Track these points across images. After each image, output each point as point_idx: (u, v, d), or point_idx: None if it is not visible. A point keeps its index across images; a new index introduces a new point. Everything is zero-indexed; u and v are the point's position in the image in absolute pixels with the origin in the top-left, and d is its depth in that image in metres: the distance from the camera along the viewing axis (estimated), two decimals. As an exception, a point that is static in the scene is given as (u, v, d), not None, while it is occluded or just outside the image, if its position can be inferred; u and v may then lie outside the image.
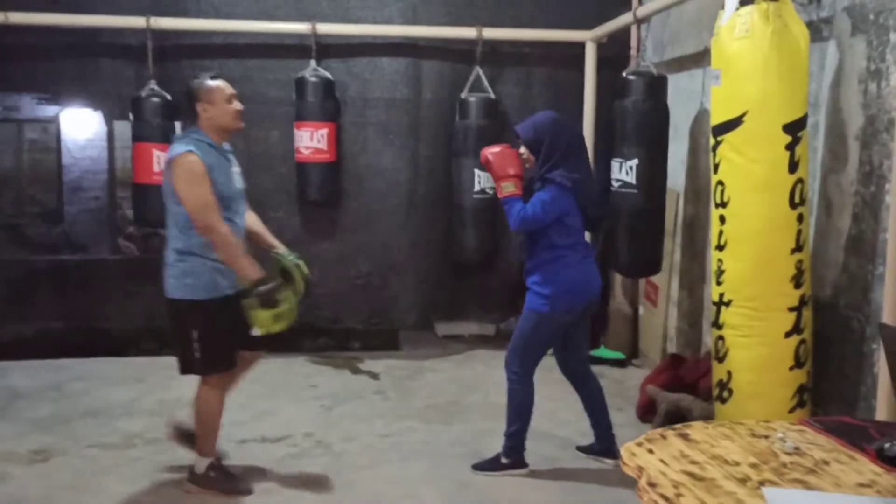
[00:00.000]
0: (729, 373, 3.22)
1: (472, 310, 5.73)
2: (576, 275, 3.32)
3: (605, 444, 3.56)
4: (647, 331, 5.20)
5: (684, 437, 1.81)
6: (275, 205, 5.27)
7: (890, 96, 2.91)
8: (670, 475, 1.60)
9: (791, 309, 3.08)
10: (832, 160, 3.28)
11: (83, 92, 5.45)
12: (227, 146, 3.23)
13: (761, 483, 1.57)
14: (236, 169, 3.25)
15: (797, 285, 3.08)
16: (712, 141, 3.25)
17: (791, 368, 3.11)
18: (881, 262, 2.88)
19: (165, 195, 3.13)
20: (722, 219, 3.21)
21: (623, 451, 1.75)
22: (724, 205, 3.19)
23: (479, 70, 5.10)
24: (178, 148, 3.05)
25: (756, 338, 3.13)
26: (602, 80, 5.09)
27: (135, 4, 5.03)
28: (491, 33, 5.10)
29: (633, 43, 5.14)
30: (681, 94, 4.71)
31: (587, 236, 3.76)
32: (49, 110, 7.53)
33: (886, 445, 1.70)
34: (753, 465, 1.65)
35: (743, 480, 1.58)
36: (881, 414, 2.61)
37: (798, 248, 3.07)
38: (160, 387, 4.58)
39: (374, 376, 4.91)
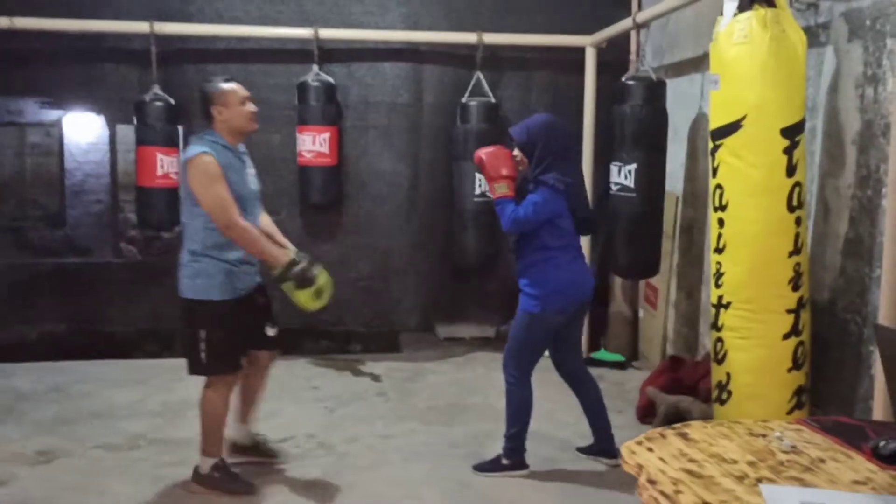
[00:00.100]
0: (728, 374, 3.25)
1: (472, 312, 5.77)
2: (566, 276, 3.36)
3: (604, 444, 3.59)
4: (647, 333, 5.24)
5: (683, 436, 1.84)
6: (277, 208, 5.29)
7: (887, 101, 2.95)
8: (669, 473, 1.63)
9: (789, 311, 3.12)
10: (830, 164, 3.31)
11: (86, 96, 5.49)
12: (242, 148, 3.27)
13: (759, 480, 1.60)
14: (251, 171, 3.30)
15: (795, 288, 3.12)
16: (711, 145, 3.28)
17: (789, 370, 3.15)
18: (878, 265, 2.91)
19: (182, 197, 3.18)
20: (721, 222, 3.25)
21: (623, 450, 1.78)
22: (722, 208, 3.23)
23: (479, 75, 5.14)
24: (193, 149, 3.10)
25: (755, 340, 3.16)
26: (602, 84, 5.12)
27: (139, 10, 5.08)
28: (491, 38, 5.14)
29: (633, 48, 5.18)
30: (680, 99, 4.75)
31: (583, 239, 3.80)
32: (52, 114, 7.56)
33: (882, 444, 1.74)
34: (751, 463, 1.68)
35: (741, 478, 1.61)
36: (878, 414, 2.64)
37: (796, 251, 3.11)
38: (163, 389, 4.61)
39: (376, 378, 4.94)
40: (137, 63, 5.15)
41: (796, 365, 3.15)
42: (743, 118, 3.09)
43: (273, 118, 5.22)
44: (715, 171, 3.27)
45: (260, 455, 3.56)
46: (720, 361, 3.29)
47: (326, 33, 5.08)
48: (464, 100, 5.14)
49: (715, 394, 3.34)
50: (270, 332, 3.38)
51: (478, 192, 5.03)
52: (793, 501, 1.49)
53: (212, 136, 3.16)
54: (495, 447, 3.56)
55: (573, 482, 3.44)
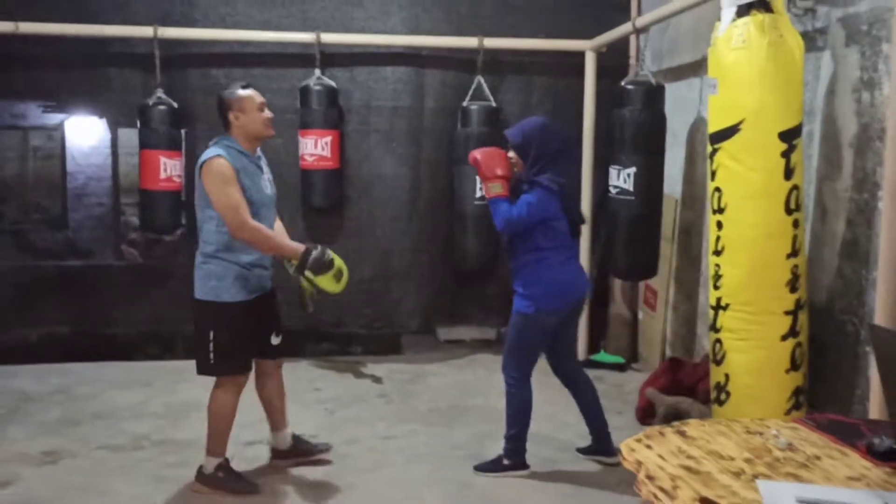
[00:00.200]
0: (726, 375, 3.29)
1: (473, 314, 5.80)
2: (559, 276, 3.39)
3: (602, 444, 3.62)
4: (647, 335, 5.27)
5: (681, 433, 1.88)
6: (279, 211, 5.31)
7: (883, 105, 2.98)
8: (668, 469, 1.66)
9: (787, 313, 3.15)
10: (827, 167, 3.35)
11: (88, 100, 5.53)
12: (259, 154, 3.33)
13: (755, 476, 1.63)
14: (267, 176, 3.34)
15: (793, 289, 3.15)
16: (709, 148, 3.32)
17: (787, 371, 3.18)
18: (875, 266, 2.95)
19: (197, 200, 3.23)
20: (719, 224, 3.29)
21: (622, 447, 1.82)
22: (721, 211, 3.26)
23: (480, 79, 5.18)
24: (208, 153, 3.16)
25: (753, 341, 3.20)
26: (602, 88, 5.16)
27: (143, 14, 5.12)
28: (492, 43, 5.18)
29: (633, 52, 5.23)
30: (679, 103, 4.79)
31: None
32: (54, 118, 7.60)
33: (877, 441, 1.77)
34: (748, 460, 1.72)
35: (738, 474, 1.65)
36: (874, 413, 2.67)
37: (794, 253, 3.14)
38: (166, 391, 4.65)
39: (377, 380, 4.97)
40: (140, 67, 5.19)
41: (794, 366, 3.19)
42: (741, 122, 3.13)
43: (275, 122, 5.19)
44: (713, 174, 3.30)
45: (302, 455, 3.60)
46: (719, 363, 3.33)
47: (328, 38, 5.12)
48: (465, 103, 5.18)
49: (714, 395, 3.38)
50: (275, 340, 3.43)
51: (478, 195, 5.06)
52: (788, 497, 1.52)
53: (228, 141, 3.22)
54: (496, 448, 3.59)
55: (573, 482, 3.47)
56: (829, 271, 3.32)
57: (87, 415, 4.24)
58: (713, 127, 3.30)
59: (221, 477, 3.32)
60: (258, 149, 3.35)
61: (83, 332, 5.45)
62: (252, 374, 3.42)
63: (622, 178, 4.36)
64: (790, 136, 3.09)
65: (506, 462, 3.51)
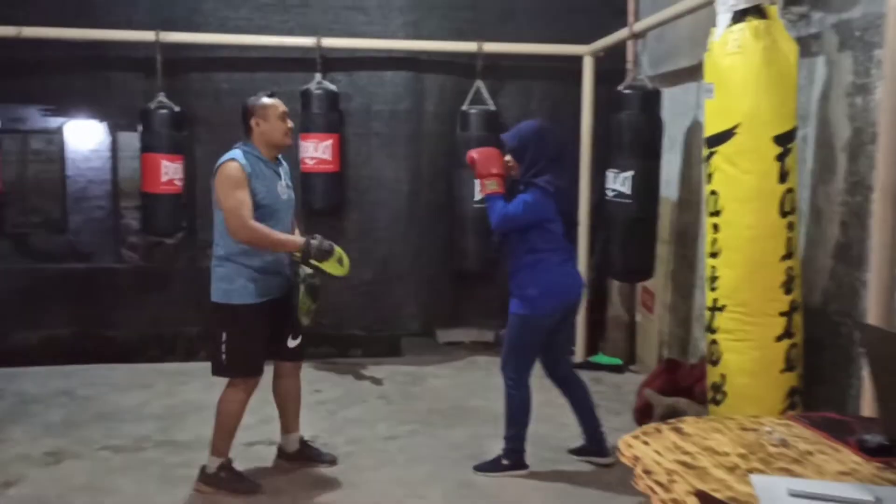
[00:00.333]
0: (722, 376, 3.33)
1: (472, 317, 5.85)
2: (556, 278, 3.44)
3: (595, 445, 3.66)
4: (644, 337, 5.31)
5: (678, 430, 1.92)
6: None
7: (875, 110, 3.03)
8: (664, 464, 1.71)
9: (782, 314, 3.19)
10: (821, 171, 3.40)
11: (88, 104, 5.58)
12: (280, 161, 3.40)
13: (749, 471, 1.68)
14: (284, 182, 3.38)
15: (787, 291, 3.19)
16: (706, 152, 3.37)
17: (782, 371, 3.22)
18: (868, 268, 2.99)
19: (213, 203, 3.29)
20: (715, 227, 3.33)
21: (620, 443, 1.86)
22: (717, 213, 3.31)
23: (479, 83, 5.23)
24: (224, 157, 3.22)
25: (748, 342, 3.24)
26: (599, 92, 5.21)
27: (145, 19, 5.17)
28: (491, 47, 5.24)
29: (630, 57, 5.28)
30: (676, 107, 4.84)
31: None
32: (54, 121, 7.63)
33: (867, 437, 1.82)
34: (742, 456, 1.76)
35: (732, 469, 1.69)
36: (866, 412, 2.71)
37: (788, 255, 3.19)
38: (167, 393, 4.69)
39: (377, 382, 5.01)
40: (141, 71, 5.24)
41: (789, 366, 3.23)
42: (736, 126, 3.17)
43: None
44: (709, 177, 3.35)
45: (308, 461, 3.64)
46: (715, 363, 3.37)
47: (329, 42, 5.18)
48: (464, 108, 5.23)
49: (710, 395, 3.42)
50: (292, 343, 3.48)
51: (477, 198, 5.11)
52: (781, 490, 1.56)
53: (246, 147, 3.28)
54: (495, 448, 3.63)
55: (572, 482, 3.51)
56: (824, 273, 3.37)
57: (89, 416, 4.27)
58: (709, 131, 3.34)
59: (224, 477, 3.36)
60: (280, 156, 3.41)
61: (84, 335, 5.49)
62: (270, 375, 3.47)
63: (620, 182, 4.42)
64: (785, 140, 3.14)
65: (505, 462, 3.55)
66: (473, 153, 3.50)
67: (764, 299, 3.19)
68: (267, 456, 3.72)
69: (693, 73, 4.63)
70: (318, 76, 5.17)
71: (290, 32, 5.30)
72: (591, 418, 3.67)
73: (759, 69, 3.10)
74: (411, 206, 5.61)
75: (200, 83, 5.37)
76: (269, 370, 3.54)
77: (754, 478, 1.64)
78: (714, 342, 3.36)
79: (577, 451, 3.74)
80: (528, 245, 3.42)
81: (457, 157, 5.22)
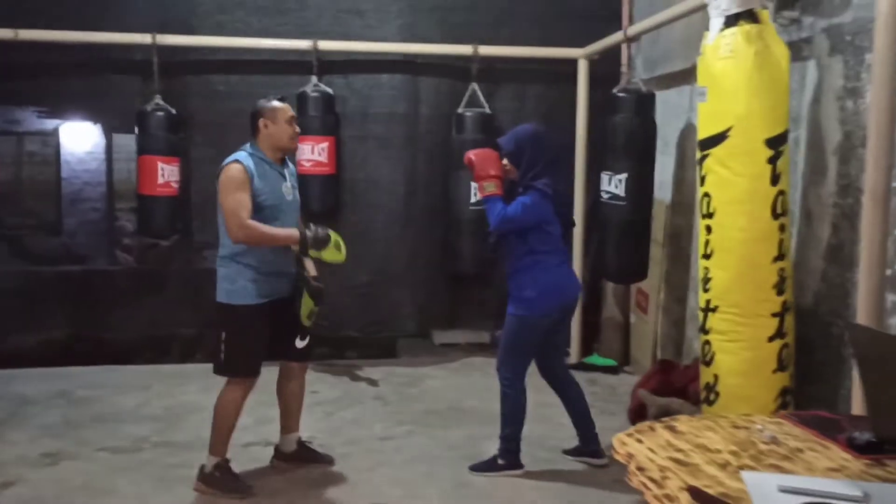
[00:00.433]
0: (715, 376, 3.37)
1: (467, 318, 5.88)
2: (553, 279, 3.48)
3: (589, 446, 3.69)
4: (639, 338, 5.35)
5: (671, 428, 1.96)
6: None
7: (865, 113, 3.07)
8: (657, 461, 1.74)
9: (774, 315, 3.24)
10: (812, 173, 3.45)
11: (83, 106, 5.60)
12: (287, 163, 3.44)
13: (740, 468, 1.72)
14: (290, 184, 3.40)
15: (779, 292, 3.24)
16: (699, 154, 3.41)
17: (774, 371, 3.27)
18: (859, 269, 3.03)
19: (218, 205, 3.31)
20: (708, 229, 3.37)
21: (614, 441, 1.89)
22: (710, 215, 3.35)
23: (475, 86, 5.27)
24: (227, 159, 3.26)
25: (741, 342, 3.28)
26: (594, 95, 5.26)
27: (142, 22, 5.19)
28: (487, 50, 5.28)
29: (624, 60, 5.32)
30: (670, 110, 4.88)
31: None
32: (49, 123, 7.62)
33: (856, 434, 1.86)
34: (733, 453, 1.80)
35: (723, 465, 1.73)
36: (856, 410, 2.75)
37: (780, 256, 3.23)
38: (164, 394, 4.71)
39: (374, 383, 5.04)
40: (137, 73, 5.27)
41: (781, 366, 3.27)
42: (729, 129, 3.22)
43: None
44: (703, 179, 3.39)
45: (305, 461, 3.66)
46: (708, 363, 3.41)
47: (325, 45, 5.21)
48: (460, 110, 5.26)
49: (703, 395, 3.46)
50: (300, 343, 3.50)
51: (473, 200, 5.15)
52: (771, 486, 1.60)
53: (251, 149, 3.32)
54: (491, 448, 3.66)
55: (567, 482, 3.54)
56: (815, 274, 3.41)
57: (86, 418, 4.29)
58: (702, 134, 3.39)
59: (218, 477, 3.38)
60: (286, 158, 3.46)
61: (80, 337, 5.50)
62: (267, 375, 3.49)
63: (614, 184, 4.45)
64: (776, 143, 3.19)
65: (500, 462, 3.58)
66: (471, 155, 3.53)
67: (756, 300, 3.24)
68: (264, 456, 3.74)
69: (687, 76, 4.67)
70: (314, 79, 5.20)
71: (287, 35, 5.33)
72: (586, 419, 3.70)
73: (751, 73, 3.15)
74: (407, 208, 5.65)
75: (197, 86, 5.40)
76: (272, 370, 3.57)
77: (745, 474, 1.67)
78: (707, 343, 3.40)
79: (571, 452, 3.77)
80: (526, 247, 3.46)
81: (453, 159, 5.26)
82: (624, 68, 5.27)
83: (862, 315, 2.72)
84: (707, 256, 3.39)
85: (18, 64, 5.21)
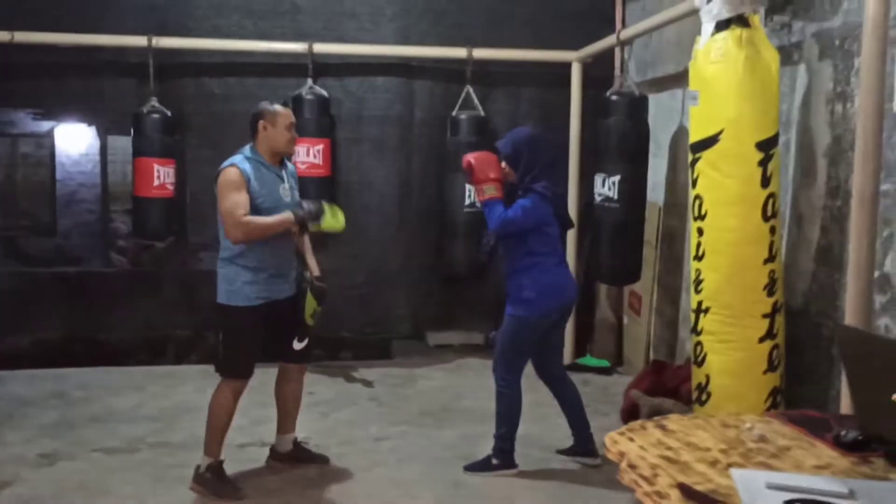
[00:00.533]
0: (707, 376, 3.41)
1: (461, 320, 5.91)
2: (552, 280, 3.51)
3: (584, 445, 3.72)
4: (632, 339, 5.39)
5: (662, 427, 2.00)
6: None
7: (854, 117, 3.12)
8: (648, 459, 1.78)
9: (765, 316, 3.28)
10: (802, 176, 3.49)
11: (78, 107, 5.62)
12: (285, 163, 3.47)
13: (729, 465, 1.75)
14: (288, 185, 3.43)
15: (770, 293, 3.28)
16: (690, 157, 3.45)
17: (765, 372, 3.30)
18: (847, 271, 3.07)
19: (218, 209, 3.34)
20: (700, 231, 3.41)
21: (606, 439, 1.93)
22: (701, 217, 3.39)
23: (469, 89, 5.30)
24: (224, 163, 3.30)
25: (732, 343, 3.32)
26: (587, 98, 5.30)
27: (137, 24, 5.20)
28: (481, 53, 5.31)
29: (617, 64, 5.36)
30: (662, 113, 4.93)
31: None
32: (43, 125, 7.61)
33: (843, 433, 1.90)
34: (723, 451, 1.84)
35: (713, 463, 1.76)
36: (845, 410, 2.79)
37: (771, 258, 3.27)
38: (159, 395, 4.73)
39: (368, 384, 5.06)
40: (132, 75, 5.29)
41: (772, 367, 3.31)
42: (720, 132, 3.26)
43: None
44: (694, 182, 3.43)
45: (300, 461, 3.69)
46: (700, 364, 3.45)
47: (320, 48, 5.23)
48: (454, 113, 5.30)
49: (695, 395, 3.50)
50: (297, 345, 3.53)
51: (467, 202, 5.18)
52: (759, 483, 1.63)
53: (248, 152, 3.35)
54: (485, 448, 3.69)
55: (561, 481, 3.57)
56: (805, 276, 3.45)
57: (82, 418, 4.30)
58: (694, 137, 3.43)
59: (209, 478, 3.39)
60: (285, 159, 3.49)
61: (75, 338, 5.51)
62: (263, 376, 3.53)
63: (607, 186, 4.50)
64: (767, 146, 3.23)
65: (495, 462, 3.61)
66: (470, 158, 3.55)
67: (747, 301, 3.28)
68: (259, 457, 3.76)
69: (679, 79, 4.71)
70: (309, 81, 5.22)
71: (282, 38, 5.35)
72: (581, 420, 3.74)
73: (741, 77, 3.19)
74: (402, 210, 5.68)
75: (192, 88, 5.42)
76: (268, 371, 3.59)
77: (734, 471, 1.71)
78: (699, 343, 3.44)
79: (565, 452, 3.81)
80: (525, 249, 3.49)
81: (447, 161, 5.30)
82: (617, 71, 5.31)
83: (850, 316, 2.76)
84: (699, 258, 3.43)
85: (13, 65, 5.21)
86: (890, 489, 1.65)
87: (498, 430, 3.61)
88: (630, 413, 4.22)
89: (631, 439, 1.90)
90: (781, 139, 3.39)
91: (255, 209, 3.25)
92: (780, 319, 3.32)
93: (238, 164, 3.28)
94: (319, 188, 5.29)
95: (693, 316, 3.48)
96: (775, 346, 3.31)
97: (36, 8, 5.15)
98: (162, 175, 5.15)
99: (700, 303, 3.42)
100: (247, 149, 3.38)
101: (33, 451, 3.82)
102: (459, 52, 5.30)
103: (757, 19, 3.29)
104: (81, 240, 7.34)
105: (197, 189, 5.28)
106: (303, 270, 3.48)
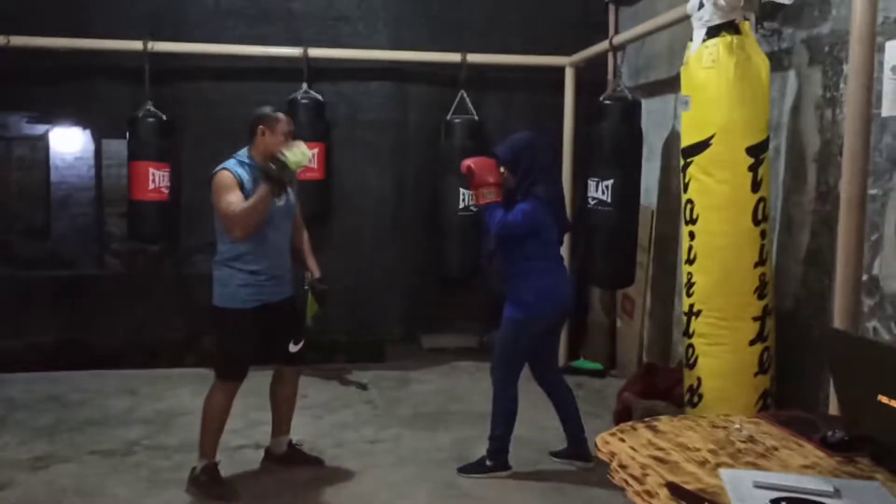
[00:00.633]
0: (699, 379, 3.44)
1: (455, 323, 5.94)
2: (550, 283, 3.55)
3: (577, 448, 3.75)
4: (625, 342, 5.42)
5: (652, 428, 2.03)
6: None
7: (844, 122, 3.16)
8: (638, 459, 1.81)
9: (755, 318, 3.32)
10: (792, 180, 3.53)
11: (73, 111, 5.63)
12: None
13: (718, 465, 1.78)
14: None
15: (760, 296, 3.32)
16: (682, 162, 3.49)
17: (756, 374, 3.34)
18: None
19: (214, 213, 3.37)
20: (691, 234, 3.45)
21: (597, 440, 1.96)
22: (693, 221, 3.43)
23: (463, 93, 5.34)
24: (216, 169, 3.33)
25: (723, 346, 3.36)
26: (581, 103, 5.33)
27: (133, 28, 5.22)
28: (475, 58, 5.34)
29: (610, 68, 5.41)
30: (655, 117, 4.97)
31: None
32: (38, 128, 7.62)
33: (829, 433, 1.93)
34: (712, 451, 1.87)
35: (702, 463, 1.79)
36: (833, 411, 2.83)
37: (761, 261, 3.31)
38: (154, 398, 4.74)
39: (362, 387, 5.08)
40: (127, 79, 5.29)
41: (762, 369, 3.35)
42: (711, 137, 3.30)
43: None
44: (686, 186, 3.47)
45: (295, 463, 3.71)
46: (691, 366, 3.48)
47: (315, 52, 5.26)
48: (448, 117, 5.33)
49: (687, 397, 3.53)
50: (293, 348, 3.55)
51: (461, 206, 5.21)
52: (747, 482, 1.67)
53: (242, 157, 3.37)
54: (479, 450, 3.72)
55: (554, 483, 3.60)
56: (795, 279, 3.49)
57: (77, 421, 4.31)
58: (685, 141, 3.47)
59: (204, 480, 3.41)
60: None
61: (69, 341, 5.50)
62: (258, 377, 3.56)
63: (600, 190, 4.53)
64: (757, 151, 3.27)
65: (488, 463, 3.64)
66: (469, 162, 3.57)
67: (738, 304, 3.31)
68: (254, 459, 3.78)
69: (671, 84, 4.76)
70: (304, 86, 5.25)
71: (277, 43, 5.38)
72: (575, 423, 3.77)
73: (732, 83, 3.23)
74: (395, 213, 5.71)
75: (188, 92, 5.44)
76: (263, 374, 3.61)
77: (723, 471, 1.74)
78: (691, 346, 3.48)
79: (558, 454, 3.83)
80: (524, 252, 3.52)
81: (441, 165, 5.33)
82: (610, 76, 5.35)
83: (838, 319, 2.80)
84: (690, 262, 3.47)
85: (8, 69, 5.21)
86: (873, 488, 1.69)
87: (493, 432, 3.64)
88: (623, 415, 4.24)
89: (622, 440, 1.93)
90: (771, 144, 3.43)
91: None
92: (770, 322, 3.36)
93: (230, 168, 3.31)
94: (314, 192, 5.31)
95: (685, 319, 3.52)
96: (766, 349, 3.34)
97: (32, 12, 5.16)
98: (157, 178, 5.17)
99: (692, 306, 3.46)
100: (242, 153, 3.41)
101: (28, 454, 3.83)
102: (453, 57, 5.33)
103: (747, 26, 3.34)
104: (76, 243, 7.36)
105: (192, 192, 5.29)
106: (304, 272, 3.50)
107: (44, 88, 5.41)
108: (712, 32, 3.31)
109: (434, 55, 5.44)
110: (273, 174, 3.23)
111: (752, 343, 3.32)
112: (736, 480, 1.68)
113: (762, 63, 3.29)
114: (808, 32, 3.43)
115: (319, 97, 5.29)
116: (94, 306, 5.55)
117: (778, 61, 3.58)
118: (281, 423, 3.72)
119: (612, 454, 1.86)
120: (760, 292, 3.31)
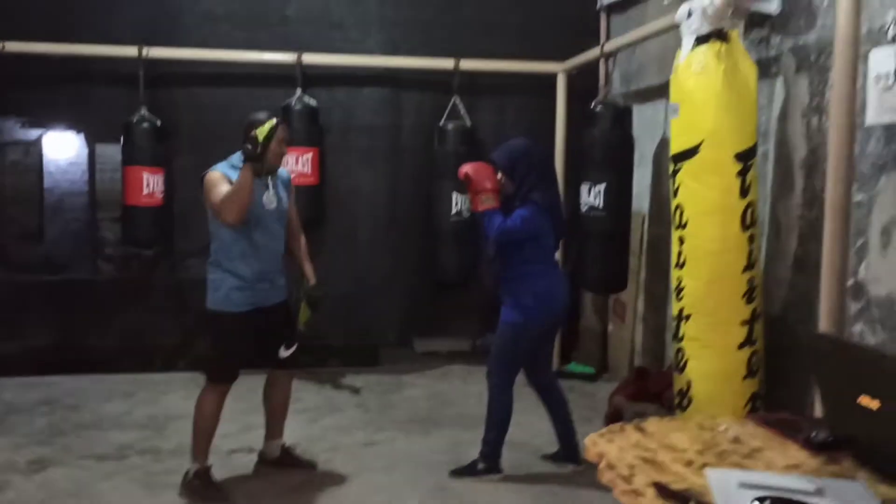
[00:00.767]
0: (688, 382, 3.49)
1: (449, 327, 5.97)
2: (547, 288, 3.58)
3: (569, 451, 3.79)
4: (616, 346, 5.47)
5: (640, 429, 2.06)
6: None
7: (830, 129, 3.21)
8: (626, 459, 1.85)
9: (744, 323, 3.36)
10: (780, 186, 3.58)
11: (66, 115, 5.64)
12: (281, 171, 3.54)
13: (704, 465, 1.82)
14: (273, 193, 3.45)
15: (749, 301, 3.36)
16: (672, 168, 3.54)
17: (745, 378, 3.39)
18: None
19: (209, 215, 3.41)
20: (681, 239, 3.50)
21: (586, 441, 2.00)
22: (682, 226, 3.48)
23: (456, 99, 5.37)
24: (209, 169, 3.37)
25: (712, 349, 3.40)
26: (573, 108, 5.37)
27: (127, 34, 5.24)
28: (468, 64, 5.38)
29: (602, 75, 5.46)
30: (646, 123, 5.02)
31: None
32: (31, 133, 7.61)
33: (813, 434, 1.97)
34: (699, 452, 1.91)
35: (689, 463, 1.83)
36: (819, 413, 2.87)
37: (749, 266, 3.36)
38: (148, 402, 4.76)
39: (356, 391, 5.11)
40: (121, 84, 5.31)
41: (751, 373, 3.39)
42: (700, 143, 3.35)
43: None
44: (675, 192, 3.52)
45: (288, 467, 3.73)
46: (681, 370, 3.52)
47: (309, 58, 5.29)
48: (441, 123, 5.37)
49: (676, 400, 3.57)
50: (283, 353, 3.58)
51: (454, 211, 5.25)
52: (732, 481, 1.70)
53: (235, 161, 3.39)
54: (472, 453, 3.74)
55: (545, 484, 3.64)
56: (783, 284, 3.54)
57: (71, 425, 4.33)
58: (675, 148, 3.51)
59: (196, 484, 3.43)
60: (276, 168, 3.52)
61: (62, 346, 5.51)
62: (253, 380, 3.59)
63: (592, 195, 4.58)
64: (745, 157, 3.32)
65: (481, 466, 3.67)
66: (467, 168, 3.59)
67: (727, 308, 3.36)
68: (248, 463, 3.81)
69: (662, 91, 4.79)
70: (298, 91, 5.28)
71: (272, 48, 5.40)
72: (567, 427, 3.80)
73: (720, 90, 3.28)
74: (389, 218, 5.74)
75: (182, 97, 5.46)
76: (256, 377, 3.64)
77: (708, 471, 1.78)
78: (680, 349, 3.52)
79: (550, 457, 3.87)
80: (522, 257, 3.55)
81: (434, 170, 5.36)
82: (602, 82, 5.40)
83: (824, 323, 2.84)
84: (680, 266, 3.51)
85: (1, 73, 5.23)
86: (855, 487, 1.73)
87: (487, 435, 3.67)
88: (614, 419, 4.27)
89: (610, 441, 1.97)
90: (760, 150, 3.48)
91: None
92: (759, 326, 3.40)
93: (219, 169, 3.35)
94: (308, 197, 5.34)
95: (675, 323, 3.56)
96: (754, 353, 3.39)
97: (26, 17, 5.19)
98: (151, 183, 5.19)
99: (681, 310, 3.50)
100: (235, 157, 3.42)
101: (23, 457, 3.85)
102: (447, 63, 5.37)
103: (736, 34, 3.39)
104: (69, 247, 7.35)
105: (186, 197, 5.31)
106: (300, 277, 3.53)
107: (38, 93, 5.43)
108: (701, 40, 3.36)
109: (427, 61, 5.48)
110: (249, 152, 3.24)
111: (740, 347, 3.36)
112: (721, 480, 1.71)
113: (750, 70, 3.34)
114: (795, 41, 3.48)
115: (314, 103, 5.32)
116: (88, 311, 5.57)
117: (766, 69, 3.63)
118: (274, 426, 3.74)
119: (601, 455, 1.90)
120: (749, 297, 3.36)
